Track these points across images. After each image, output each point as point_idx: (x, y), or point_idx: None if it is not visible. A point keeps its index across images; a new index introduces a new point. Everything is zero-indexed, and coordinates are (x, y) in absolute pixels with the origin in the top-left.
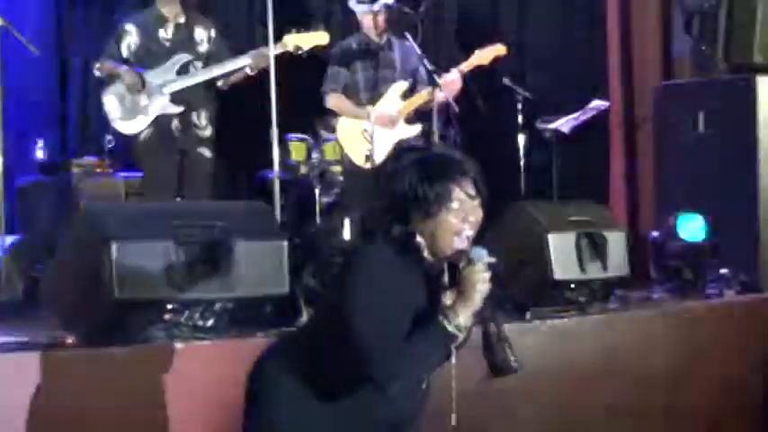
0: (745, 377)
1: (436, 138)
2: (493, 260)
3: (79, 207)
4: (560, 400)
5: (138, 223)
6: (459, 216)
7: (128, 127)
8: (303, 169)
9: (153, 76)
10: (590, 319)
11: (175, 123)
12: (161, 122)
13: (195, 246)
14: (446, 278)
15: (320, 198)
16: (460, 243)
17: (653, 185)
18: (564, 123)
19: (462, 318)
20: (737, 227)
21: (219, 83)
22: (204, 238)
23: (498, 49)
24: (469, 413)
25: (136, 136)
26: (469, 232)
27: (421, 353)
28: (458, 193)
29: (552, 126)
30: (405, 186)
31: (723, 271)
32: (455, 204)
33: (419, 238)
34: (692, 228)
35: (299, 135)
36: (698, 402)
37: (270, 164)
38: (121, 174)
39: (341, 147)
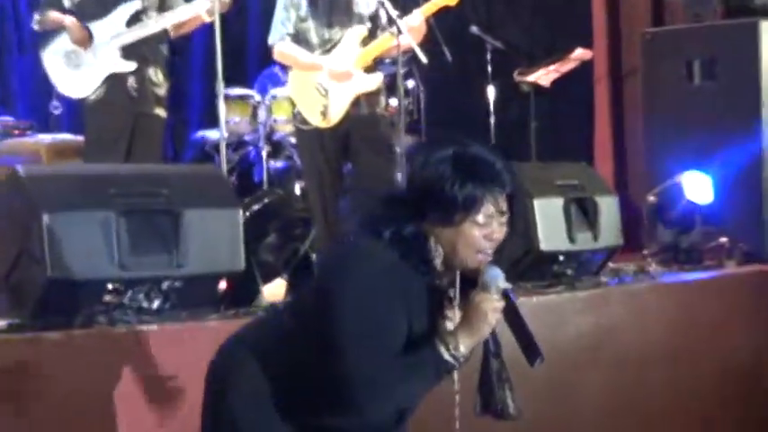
0: (750, 354)
1: (401, 91)
2: (508, 286)
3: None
4: (552, 382)
5: (72, 191)
6: (483, 232)
7: (75, 90)
8: (247, 129)
9: (100, 29)
10: (581, 294)
11: (131, 82)
12: (114, 82)
13: (138, 216)
14: (456, 291)
15: (268, 162)
16: (481, 260)
17: (642, 145)
18: (543, 75)
19: (463, 347)
20: (738, 191)
21: (171, 33)
22: (148, 207)
23: None
24: (459, 396)
25: (85, 99)
26: (490, 251)
27: (409, 380)
28: (488, 206)
29: (530, 78)
30: (432, 179)
31: (723, 240)
32: (481, 218)
33: (433, 244)
34: (697, 189)
35: (243, 91)
36: (700, 382)
37: (209, 124)
38: (43, 135)
39: (292, 103)
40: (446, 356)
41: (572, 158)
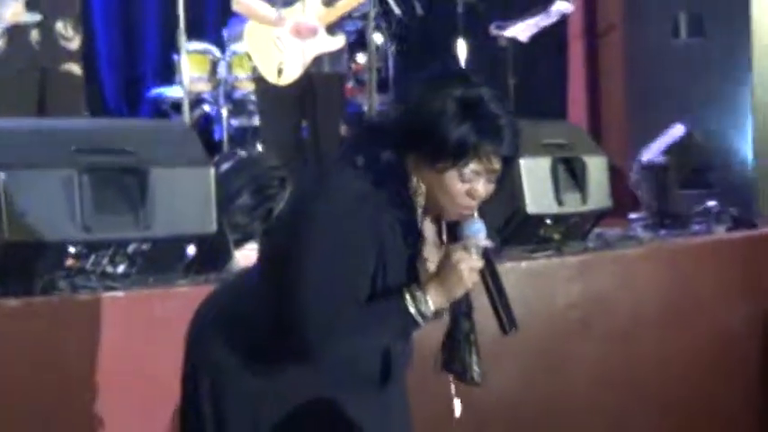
0: (741, 321)
1: (372, 47)
2: (490, 245)
3: None
4: (542, 350)
5: (31, 147)
6: (467, 187)
7: None
8: (206, 87)
9: None
10: (571, 260)
11: (34, 35)
12: (16, 34)
13: (102, 174)
14: (442, 229)
15: (228, 121)
16: (457, 212)
17: (622, 106)
18: (522, 29)
19: (432, 305)
20: (727, 153)
21: None
22: (113, 164)
23: None
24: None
25: None
26: (472, 203)
27: (369, 330)
28: (478, 162)
29: (508, 33)
30: (431, 112)
31: (711, 203)
32: (467, 171)
33: (416, 181)
34: (681, 150)
35: (202, 45)
36: (691, 350)
37: (165, 80)
38: None
39: (249, 57)
40: (411, 309)
41: (546, 118)
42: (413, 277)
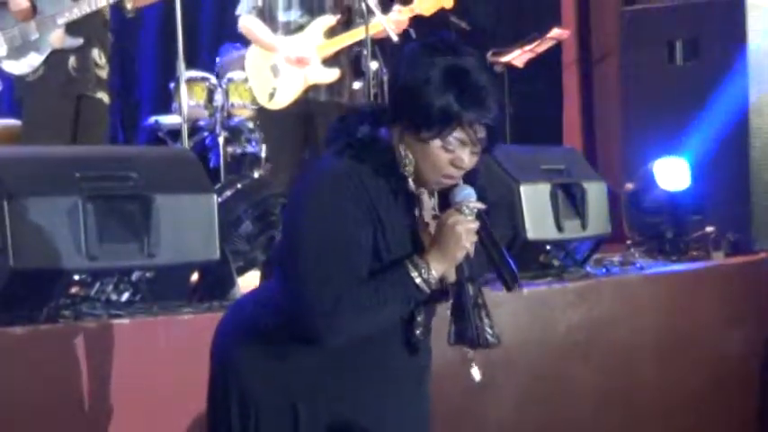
0: (740, 346)
1: (370, 74)
2: (482, 206)
3: None
4: (543, 375)
5: (36, 175)
6: (451, 156)
7: (16, 66)
8: (202, 114)
9: (43, 3)
10: (571, 286)
11: (72, 61)
12: (55, 61)
13: (106, 202)
14: (434, 200)
15: (225, 148)
16: (442, 183)
17: (619, 130)
18: (518, 56)
19: (435, 272)
20: (724, 178)
21: (129, 5)
22: (117, 192)
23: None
24: (443, 390)
25: (24, 76)
26: (457, 173)
27: (376, 306)
28: (461, 130)
29: (505, 59)
30: (415, 80)
31: (709, 229)
32: (452, 141)
33: (403, 151)
34: (673, 175)
35: (198, 73)
36: (691, 375)
37: (161, 108)
38: None
39: (247, 78)
40: (416, 279)
41: (542, 143)
42: (418, 247)
